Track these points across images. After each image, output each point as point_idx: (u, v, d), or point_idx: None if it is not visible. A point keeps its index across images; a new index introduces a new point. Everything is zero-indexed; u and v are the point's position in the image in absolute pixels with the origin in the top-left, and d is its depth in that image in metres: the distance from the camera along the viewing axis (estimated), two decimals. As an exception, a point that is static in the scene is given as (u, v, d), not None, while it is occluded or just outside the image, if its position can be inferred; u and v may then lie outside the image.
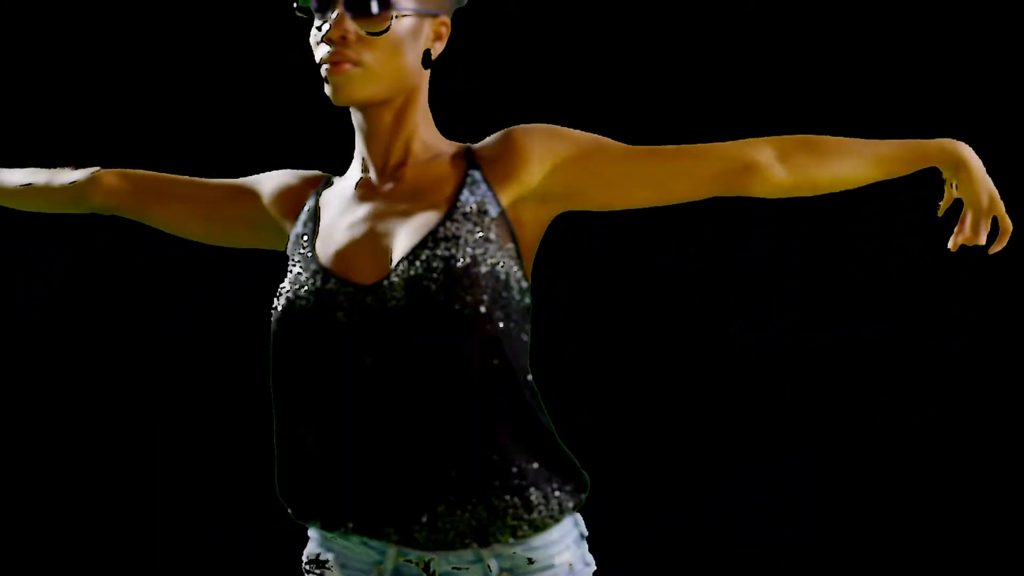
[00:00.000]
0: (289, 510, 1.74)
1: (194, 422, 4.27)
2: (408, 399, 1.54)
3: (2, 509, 4.25)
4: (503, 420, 1.56)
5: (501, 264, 1.58)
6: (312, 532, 1.78)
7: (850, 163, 1.75)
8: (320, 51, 1.62)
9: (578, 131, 1.70)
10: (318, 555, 1.74)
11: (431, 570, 1.63)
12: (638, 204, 1.64)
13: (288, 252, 1.75)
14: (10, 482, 4.25)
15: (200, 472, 4.27)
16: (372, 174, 1.69)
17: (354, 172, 1.73)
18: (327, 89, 1.63)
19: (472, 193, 1.61)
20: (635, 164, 1.62)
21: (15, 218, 4.23)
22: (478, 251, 1.56)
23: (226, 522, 4.26)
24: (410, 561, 1.64)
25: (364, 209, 1.65)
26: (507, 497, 1.57)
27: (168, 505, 4.28)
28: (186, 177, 1.97)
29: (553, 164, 1.64)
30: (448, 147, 1.70)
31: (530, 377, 1.63)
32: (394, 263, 1.54)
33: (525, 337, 1.63)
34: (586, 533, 1.71)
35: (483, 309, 1.54)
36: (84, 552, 4.26)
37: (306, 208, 1.76)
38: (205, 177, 2.02)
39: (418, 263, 1.54)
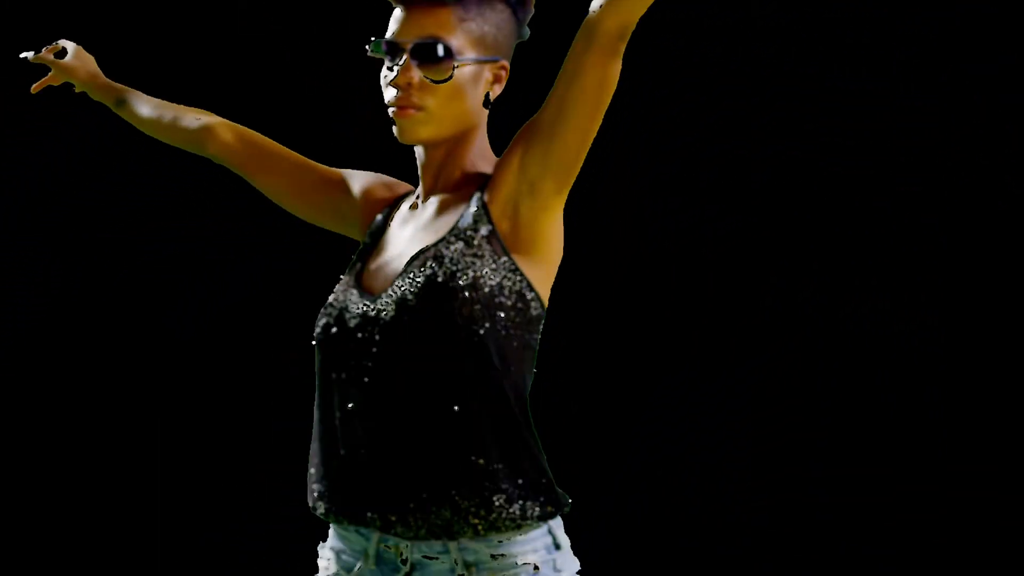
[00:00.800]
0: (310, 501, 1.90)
1: (194, 422, 4.27)
2: (393, 400, 1.73)
3: (2, 509, 4.25)
4: (477, 426, 1.72)
5: (491, 278, 1.74)
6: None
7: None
8: (388, 93, 1.81)
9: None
10: (330, 545, 1.91)
11: (403, 556, 1.78)
12: (582, 130, 1.76)
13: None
14: (10, 482, 4.26)
15: (200, 472, 4.28)
16: (422, 196, 1.87)
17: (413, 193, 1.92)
18: (394, 129, 1.82)
19: (470, 215, 1.78)
20: (555, 109, 1.75)
21: (15, 218, 4.23)
22: (460, 267, 1.73)
23: (226, 522, 4.27)
24: (388, 547, 1.80)
25: (401, 231, 1.85)
26: (471, 499, 1.73)
27: (168, 505, 4.28)
28: (293, 154, 2.09)
29: (520, 155, 1.79)
30: (471, 175, 1.88)
31: (527, 382, 1.81)
32: (391, 281, 1.76)
33: (517, 344, 1.78)
34: (563, 543, 1.83)
35: (462, 320, 1.71)
36: (84, 552, 4.26)
37: (375, 222, 1.94)
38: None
39: (407, 279, 1.74)
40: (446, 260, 1.74)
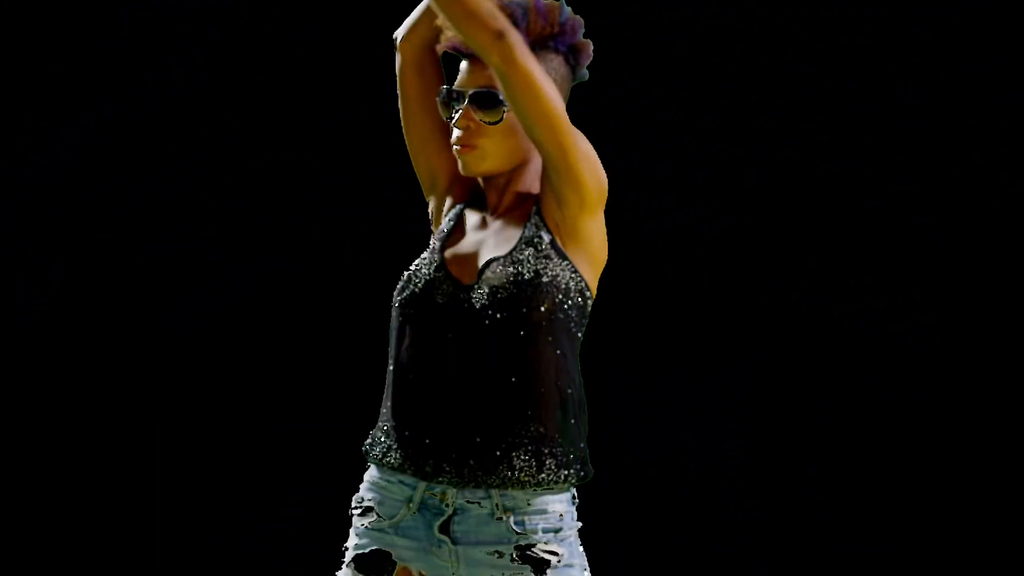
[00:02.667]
0: (365, 449, 2.20)
1: (194, 422, 4.27)
2: (472, 366, 2.07)
3: (2, 509, 4.25)
4: (542, 395, 2.08)
5: (560, 276, 2.11)
6: (366, 476, 2.22)
7: None
8: (454, 133, 2.15)
9: None
10: (363, 497, 2.19)
11: (448, 502, 2.10)
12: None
13: (433, 233, 2.25)
14: (10, 482, 4.25)
15: (200, 472, 4.28)
16: (489, 210, 2.20)
17: (483, 201, 2.23)
18: (459, 163, 2.17)
19: (532, 226, 2.13)
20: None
21: (15, 218, 4.22)
22: (538, 267, 2.09)
23: (226, 522, 4.27)
24: (434, 494, 2.11)
25: (475, 234, 2.18)
26: (527, 460, 2.08)
27: (168, 505, 4.28)
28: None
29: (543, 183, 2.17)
30: (527, 196, 2.22)
31: (577, 367, 2.16)
32: (480, 273, 2.11)
33: (575, 332, 2.15)
34: (577, 502, 2.19)
35: (542, 310, 2.07)
36: (85, 552, 4.26)
37: (455, 210, 2.25)
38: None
39: (496, 273, 2.10)
40: (524, 263, 2.09)
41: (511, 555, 2.09)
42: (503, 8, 2.08)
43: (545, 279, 2.10)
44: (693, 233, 4.33)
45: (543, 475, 2.10)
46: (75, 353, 4.24)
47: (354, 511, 2.20)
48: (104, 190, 4.22)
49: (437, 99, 2.19)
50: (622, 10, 4.13)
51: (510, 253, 2.12)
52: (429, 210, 2.35)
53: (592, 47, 2.22)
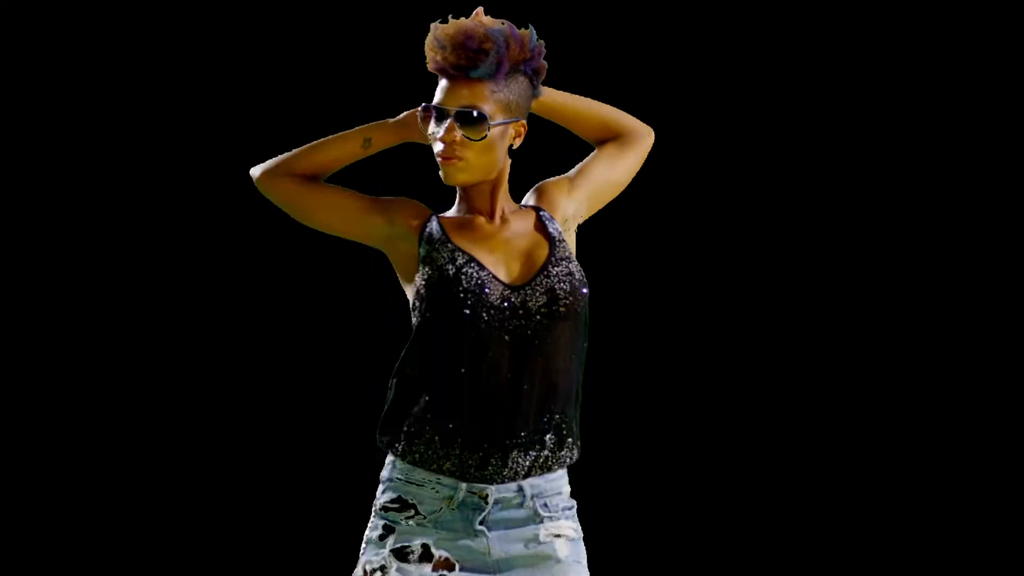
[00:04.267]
0: (399, 448, 2.39)
1: (194, 424, 4.27)
2: (529, 367, 2.32)
3: (2, 509, 4.25)
4: (574, 384, 2.37)
5: (582, 276, 2.41)
6: (394, 474, 2.40)
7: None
8: (437, 146, 2.38)
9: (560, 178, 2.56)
10: (399, 494, 2.38)
11: (487, 498, 2.33)
12: (612, 191, 2.58)
13: (427, 250, 2.41)
14: (9, 482, 4.25)
15: (200, 474, 4.28)
16: (484, 218, 2.44)
17: (463, 213, 2.46)
18: (443, 171, 2.38)
19: (552, 227, 2.44)
20: (600, 168, 2.55)
21: (14, 218, 4.22)
22: (576, 268, 2.40)
23: (226, 523, 4.27)
24: (473, 492, 2.33)
25: (496, 239, 2.43)
26: (553, 441, 2.36)
27: (167, 506, 4.27)
28: (337, 190, 2.51)
29: (570, 190, 2.52)
30: (513, 203, 2.50)
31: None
32: (534, 274, 2.37)
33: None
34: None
35: (584, 304, 2.39)
36: (85, 553, 4.26)
37: (432, 228, 2.44)
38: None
39: (552, 275, 2.37)
40: (569, 262, 2.39)
41: (539, 536, 2.35)
42: (488, 37, 2.35)
43: (580, 276, 2.40)
44: (690, 232, 4.33)
45: (562, 453, 2.39)
46: (76, 354, 4.24)
47: (389, 506, 2.38)
48: (104, 190, 4.22)
49: (419, 113, 2.41)
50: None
51: (553, 255, 2.40)
52: (391, 247, 2.49)
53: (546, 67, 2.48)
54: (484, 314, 2.33)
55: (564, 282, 2.37)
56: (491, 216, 2.45)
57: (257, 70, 4.21)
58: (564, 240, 2.44)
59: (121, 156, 4.21)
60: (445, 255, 2.37)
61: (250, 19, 4.19)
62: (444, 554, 2.34)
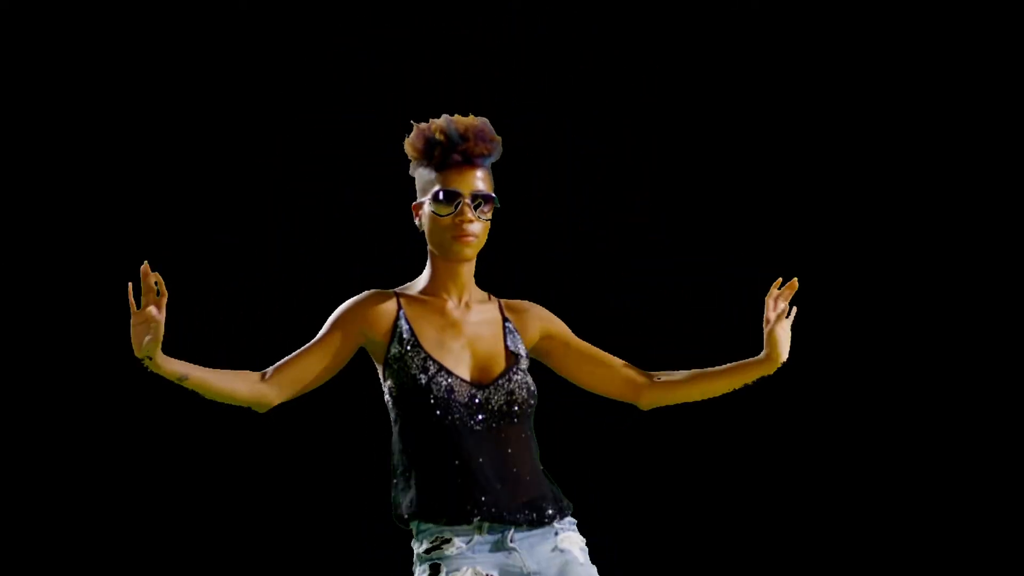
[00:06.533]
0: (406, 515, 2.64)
1: (194, 426, 4.27)
2: (493, 452, 2.61)
3: (2, 510, 4.25)
4: (536, 463, 2.67)
5: (533, 384, 2.69)
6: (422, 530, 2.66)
7: (707, 385, 2.83)
8: (455, 227, 2.64)
9: (559, 320, 2.82)
10: (433, 539, 2.61)
11: (511, 536, 2.61)
12: (578, 380, 2.82)
13: (399, 351, 2.66)
14: (9, 483, 4.26)
15: (200, 475, 4.28)
16: (452, 302, 2.70)
17: (430, 292, 2.71)
18: (455, 247, 2.64)
19: (512, 341, 2.70)
20: (582, 358, 2.79)
21: (13, 219, 4.22)
22: (530, 378, 2.67)
23: (227, 525, 4.27)
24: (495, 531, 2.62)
25: (457, 328, 2.68)
26: (537, 515, 2.63)
27: (166, 508, 4.28)
28: (313, 363, 2.71)
29: (543, 333, 2.78)
30: (479, 291, 2.74)
31: None
32: (496, 376, 2.65)
33: None
34: None
35: (532, 406, 2.68)
36: (85, 554, 4.26)
37: (401, 321, 2.67)
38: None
39: (512, 380, 2.65)
40: (525, 374, 2.66)
41: (558, 545, 2.62)
42: (492, 129, 2.67)
43: (533, 387, 2.68)
44: (688, 233, 4.34)
45: (563, 504, 2.67)
46: (76, 355, 4.24)
47: (431, 548, 2.61)
48: (106, 191, 4.23)
49: (439, 198, 2.64)
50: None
51: (516, 366, 2.67)
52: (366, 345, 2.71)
53: None
54: (455, 412, 2.60)
55: (522, 389, 2.64)
56: (459, 300, 2.71)
57: (257, 70, 4.22)
58: (522, 355, 2.69)
59: (120, 156, 4.21)
60: (417, 363, 2.63)
61: (250, 19, 4.20)
62: (492, 572, 2.59)
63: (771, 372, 2.78)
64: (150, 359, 2.64)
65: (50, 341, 4.20)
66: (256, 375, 2.73)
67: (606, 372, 2.79)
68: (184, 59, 4.19)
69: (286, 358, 2.70)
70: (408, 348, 2.63)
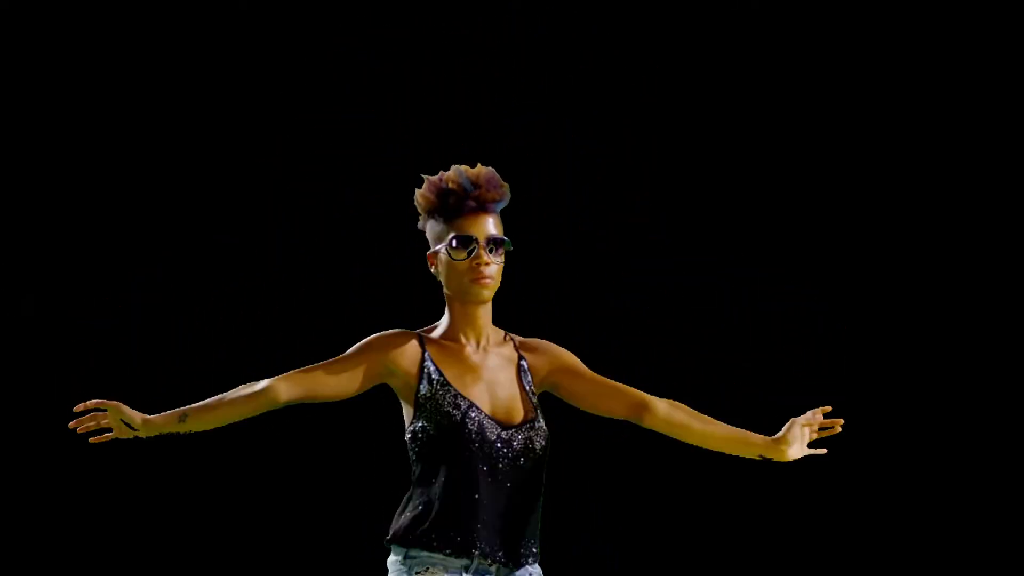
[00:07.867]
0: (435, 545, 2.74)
1: (192, 433, 4.26)
2: (510, 487, 2.74)
3: (2, 510, 4.26)
4: (538, 507, 2.79)
5: (548, 432, 2.82)
6: (412, 553, 2.77)
7: (709, 438, 2.90)
8: (471, 271, 2.75)
9: (568, 353, 2.90)
10: (424, 563, 2.71)
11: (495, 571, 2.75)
12: (586, 407, 2.90)
13: (429, 391, 2.77)
14: (9, 483, 4.26)
15: (200, 479, 4.28)
16: (471, 346, 2.81)
17: (450, 336, 2.82)
18: (473, 290, 2.75)
19: (526, 381, 2.82)
20: (590, 388, 2.86)
21: (13, 218, 4.23)
22: (545, 427, 2.80)
23: (228, 529, 4.27)
24: (483, 563, 2.74)
25: (479, 372, 2.81)
26: (532, 541, 2.80)
27: (166, 510, 4.28)
28: (330, 376, 2.80)
29: (551, 366, 2.86)
30: (496, 331, 2.86)
31: None
32: (518, 424, 2.78)
33: None
34: None
35: (548, 453, 2.79)
36: (86, 555, 4.27)
37: (427, 361, 2.79)
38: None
39: (534, 428, 2.78)
40: (542, 422, 2.78)
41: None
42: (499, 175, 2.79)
43: (549, 437, 2.81)
44: (688, 233, 4.34)
45: (536, 549, 2.80)
46: (75, 356, 4.24)
47: (417, 572, 2.73)
48: (106, 191, 4.23)
49: (455, 244, 2.75)
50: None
51: (535, 415, 2.80)
52: (390, 381, 2.81)
53: None
54: (485, 449, 2.72)
55: (540, 437, 2.77)
56: (477, 344, 2.83)
57: (257, 70, 4.22)
58: (535, 393, 2.82)
59: (120, 156, 4.22)
60: (449, 400, 2.75)
61: (250, 19, 4.20)
62: None
63: (775, 459, 2.91)
64: (135, 431, 2.78)
65: (50, 341, 4.20)
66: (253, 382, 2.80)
67: (611, 400, 2.86)
68: (184, 59, 4.20)
69: (307, 366, 2.77)
70: (438, 388, 2.76)
